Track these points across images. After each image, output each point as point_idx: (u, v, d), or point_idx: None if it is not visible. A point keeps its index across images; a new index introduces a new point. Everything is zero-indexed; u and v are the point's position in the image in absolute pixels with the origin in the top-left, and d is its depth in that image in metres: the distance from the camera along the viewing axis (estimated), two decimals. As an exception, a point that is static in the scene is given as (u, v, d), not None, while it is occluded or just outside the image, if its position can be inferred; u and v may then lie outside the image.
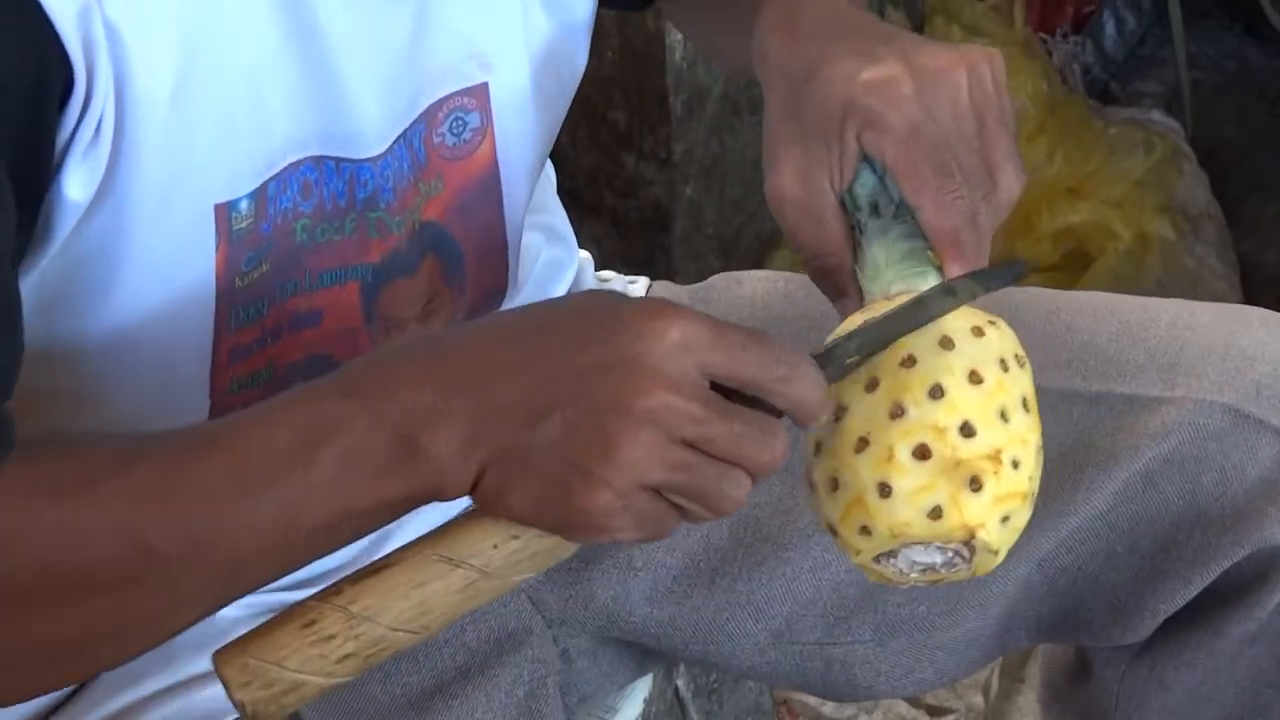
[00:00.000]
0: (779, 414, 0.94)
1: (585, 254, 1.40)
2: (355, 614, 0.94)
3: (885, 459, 0.97)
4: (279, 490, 0.92)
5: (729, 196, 2.49)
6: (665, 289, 1.42)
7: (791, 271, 1.42)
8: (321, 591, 0.96)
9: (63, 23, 0.93)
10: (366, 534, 0.96)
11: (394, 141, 1.11)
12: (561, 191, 1.40)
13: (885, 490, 0.97)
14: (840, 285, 1.07)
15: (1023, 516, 1.00)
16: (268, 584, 1.00)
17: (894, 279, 1.05)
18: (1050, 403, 1.12)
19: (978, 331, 1.00)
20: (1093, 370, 1.25)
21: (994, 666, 2.05)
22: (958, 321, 1.00)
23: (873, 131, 1.05)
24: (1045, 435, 1.01)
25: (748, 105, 2.44)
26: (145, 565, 0.93)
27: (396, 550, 0.96)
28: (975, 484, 0.97)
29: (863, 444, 0.98)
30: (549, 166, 1.36)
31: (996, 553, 1.00)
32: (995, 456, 0.98)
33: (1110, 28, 2.86)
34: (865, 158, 1.07)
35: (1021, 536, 1.27)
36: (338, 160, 1.09)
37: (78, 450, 0.96)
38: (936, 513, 0.97)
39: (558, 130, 1.24)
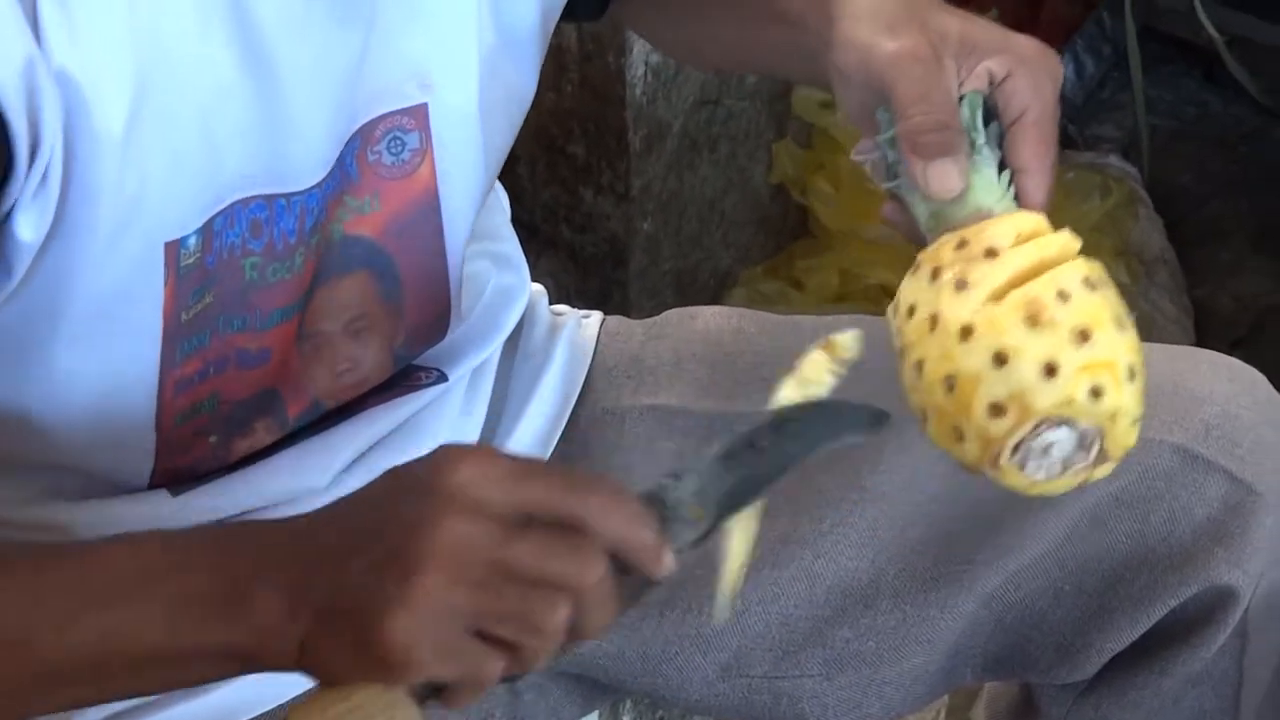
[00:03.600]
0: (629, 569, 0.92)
1: (539, 287, 1.40)
2: None
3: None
4: (105, 614, 0.93)
5: (686, 232, 2.49)
6: (619, 324, 1.41)
7: (747, 308, 1.42)
8: None
9: (3, 85, 0.93)
10: (195, 684, 0.99)
11: (334, 164, 1.11)
12: (518, 224, 1.39)
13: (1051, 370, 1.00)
14: (950, 144, 1.06)
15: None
16: (95, 704, 1.03)
17: (1005, 201, 1.07)
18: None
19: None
20: (1043, 409, 1.26)
21: (940, 706, 2.05)
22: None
23: (1025, 81, 1.08)
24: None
25: (706, 142, 2.44)
26: None
27: None
28: (1131, 375, 1.02)
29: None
30: (502, 193, 1.36)
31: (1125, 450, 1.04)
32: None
33: (1069, 71, 2.86)
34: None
35: (969, 574, 1.28)
36: (288, 196, 1.08)
37: None
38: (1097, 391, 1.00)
39: (503, 159, 1.24)
